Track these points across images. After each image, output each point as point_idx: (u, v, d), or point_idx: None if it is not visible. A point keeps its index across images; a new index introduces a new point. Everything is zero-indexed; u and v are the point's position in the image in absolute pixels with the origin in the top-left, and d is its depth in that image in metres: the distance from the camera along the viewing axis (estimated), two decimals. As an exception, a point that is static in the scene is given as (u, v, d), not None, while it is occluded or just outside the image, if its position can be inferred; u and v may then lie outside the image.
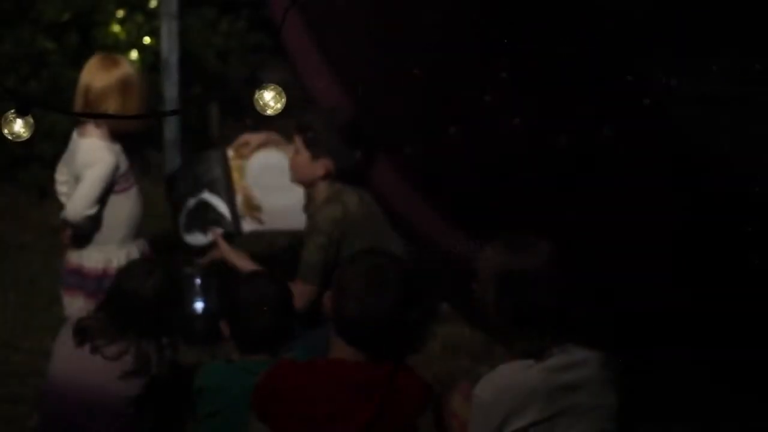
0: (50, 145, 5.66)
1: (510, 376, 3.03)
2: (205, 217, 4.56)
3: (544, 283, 3.04)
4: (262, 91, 2.43)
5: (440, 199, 4.37)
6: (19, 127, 2.28)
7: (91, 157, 4.16)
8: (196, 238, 4.56)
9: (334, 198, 4.17)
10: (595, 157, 3.88)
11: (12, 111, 2.26)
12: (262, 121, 6.40)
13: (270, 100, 2.44)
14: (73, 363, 3.61)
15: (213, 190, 4.60)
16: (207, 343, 4.45)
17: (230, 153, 4.67)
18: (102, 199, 4.19)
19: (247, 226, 4.54)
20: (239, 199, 4.57)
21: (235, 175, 4.62)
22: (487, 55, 3.82)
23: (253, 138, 4.69)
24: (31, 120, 2.29)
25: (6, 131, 2.28)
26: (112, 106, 4.11)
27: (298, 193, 4.37)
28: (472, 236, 3.68)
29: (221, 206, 4.56)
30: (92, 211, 4.15)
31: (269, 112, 2.45)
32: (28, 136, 2.32)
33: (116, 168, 4.19)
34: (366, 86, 4.32)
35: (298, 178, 4.28)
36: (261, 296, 3.53)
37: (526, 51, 3.75)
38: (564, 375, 3.02)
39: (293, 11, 4.21)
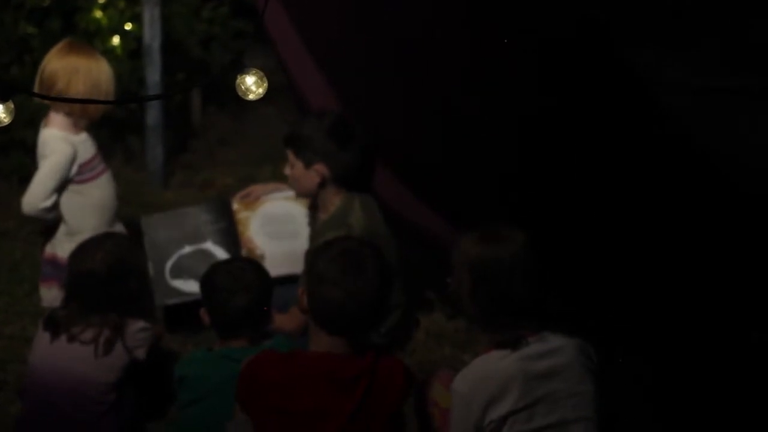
0: (31, 132, 5.63)
1: (486, 367, 3.05)
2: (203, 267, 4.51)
3: (519, 272, 3.06)
4: (243, 76, 2.43)
5: (426, 189, 4.36)
6: (1, 112, 2.28)
7: (47, 148, 4.17)
8: (188, 285, 4.46)
9: (340, 219, 4.06)
10: (585, 150, 3.88)
11: (-9, 99, 2.26)
12: (244, 107, 6.42)
13: (252, 84, 2.43)
14: (53, 355, 3.61)
15: (217, 242, 4.57)
16: (189, 331, 4.43)
17: (235, 205, 4.65)
18: (58, 190, 4.17)
19: None
20: (243, 252, 4.52)
21: (240, 228, 4.58)
22: (475, 45, 3.81)
23: (260, 189, 4.67)
24: (11, 105, 2.29)
25: (-13, 116, 2.28)
26: (56, 89, 4.10)
27: (302, 240, 4.34)
28: (459, 226, 3.68)
29: None
30: (47, 203, 4.14)
31: (251, 96, 2.44)
32: (9, 122, 2.32)
33: (72, 159, 4.16)
34: (349, 73, 4.29)
35: (299, 191, 4.22)
36: (236, 278, 3.54)
37: (520, 44, 3.74)
38: (540, 363, 3.04)
39: (275, -3, 4.20)
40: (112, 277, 3.65)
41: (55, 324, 3.64)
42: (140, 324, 3.70)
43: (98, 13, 6.04)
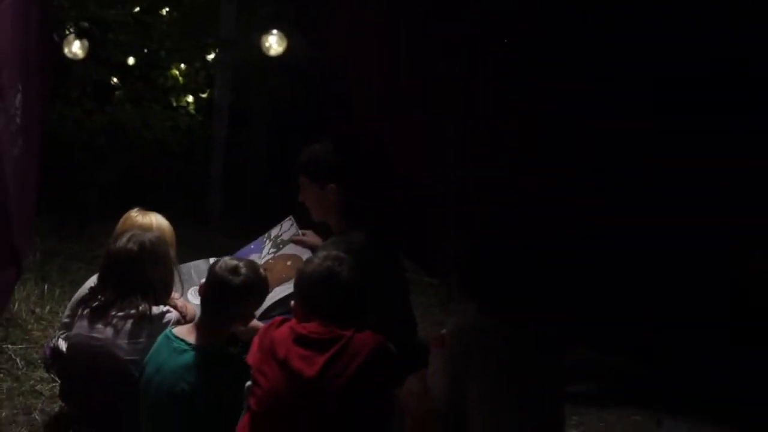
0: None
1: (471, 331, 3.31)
2: None
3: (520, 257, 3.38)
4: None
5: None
6: (76, 48, 2.71)
7: None
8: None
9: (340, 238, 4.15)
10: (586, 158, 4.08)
11: (72, 33, 2.68)
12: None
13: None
14: (89, 334, 3.84)
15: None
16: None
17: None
18: None
19: None
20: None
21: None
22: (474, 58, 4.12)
23: (311, 238, 4.59)
24: (86, 43, 2.73)
25: (66, 50, 2.73)
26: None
27: None
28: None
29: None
30: None
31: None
32: (83, 56, 2.74)
33: None
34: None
35: (318, 215, 4.31)
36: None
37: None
38: (515, 343, 3.26)
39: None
40: (141, 262, 3.89)
41: (91, 306, 3.88)
42: (165, 309, 3.91)
43: (176, 72, 6.58)
